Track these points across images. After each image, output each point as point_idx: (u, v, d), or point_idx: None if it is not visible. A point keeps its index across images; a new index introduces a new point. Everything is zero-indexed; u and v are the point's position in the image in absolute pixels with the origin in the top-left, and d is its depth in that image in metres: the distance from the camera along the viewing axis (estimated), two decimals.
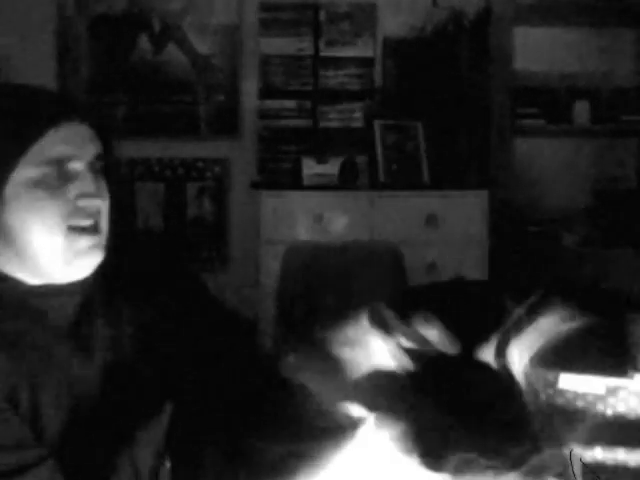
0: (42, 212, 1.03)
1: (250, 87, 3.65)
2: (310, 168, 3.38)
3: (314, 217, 3.29)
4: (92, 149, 1.07)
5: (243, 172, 3.66)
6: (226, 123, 3.67)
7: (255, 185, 3.49)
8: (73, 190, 1.04)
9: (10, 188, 1.03)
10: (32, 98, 1.08)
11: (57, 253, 1.05)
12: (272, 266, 3.23)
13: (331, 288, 3.21)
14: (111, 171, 1.12)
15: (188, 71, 3.63)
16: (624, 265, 3.43)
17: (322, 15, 3.60)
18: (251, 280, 3.42)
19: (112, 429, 1.07)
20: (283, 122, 3.60)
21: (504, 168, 3.54)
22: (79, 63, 3.60)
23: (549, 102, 3.66)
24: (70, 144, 1.04)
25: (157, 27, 3.61)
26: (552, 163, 3.77)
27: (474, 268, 3.27)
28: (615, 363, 0.98)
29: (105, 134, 1.12)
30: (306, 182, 3.37)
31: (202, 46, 3.63)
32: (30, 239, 1.04)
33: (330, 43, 3.60)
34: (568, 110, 3.64)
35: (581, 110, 3.63)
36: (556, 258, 3.58)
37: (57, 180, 1.04)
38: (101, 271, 1.11)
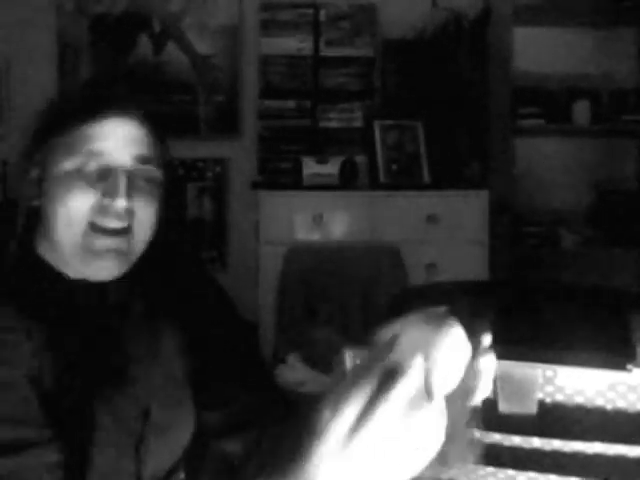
0: (68, 204, 1.02)
1: (250, 87, 3.65)
2: (310, 168, 3.38)
3: (314, 217, 3.29)
4: (135, 149, 1.04)
5: (243, 172, 3.66)
6: (226, 123, 3.67)
7: (255, 185, 3.49)
8: (101, 187, 1.02)
9: (49, 178, 1.04)
10: (85, 89, 1.10)
11: (76, 249, 1.03)
12: (272, 267, 3.23)
13: (331, 288, 3.22)
14: (164, 174, 1.09)
15: (188, 71, 3.63)
16: (624, 265, 3.43)
17: (322, 15, 3.60)
18: (251, 281, 3.42)
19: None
20: (283, 122, 3.59)
21: (504, 168, 3.54)
22: (79, 63, 3.60)
23: (549, 102, 3.65)
24: (109, 141, 1.03)
25: (157, 27, 3.61)
26: (552, 163, 3.77)
27: (474, 268, 3.27)
28: (614, 357, 0.97)
29: (159, 136, 1.10)
30: (306, 182, 3.37)
31: (202, 46, 3.63)
32: (55, 229, 1.03)
33: (330, 43, 3.60)
34: (568, 110, 3.63)
35: (581, 110, 3.62)
36: (556, 258, 3.58)
37: (90, 175, 1.02)
38: (139, 276, 1.09)
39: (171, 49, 3.62)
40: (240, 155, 3.68)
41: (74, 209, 1.01)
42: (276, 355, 3.05)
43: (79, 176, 1.02)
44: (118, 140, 1.03)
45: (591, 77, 3.72)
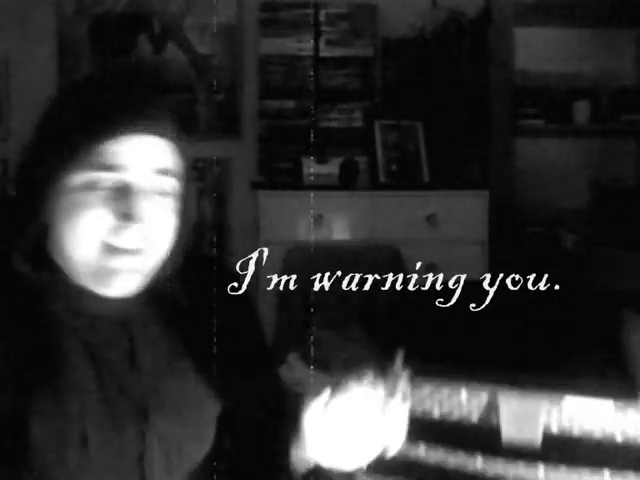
0: (80, 224, 0.95)
1: (250, 87, 3.65)
2: (310, 168, 3.38)
3: (314, 217, 3.29)
4: (156, 163, 0.98)
5: (243, 172, 3.66)
6: (226, 123, 3.67)
7: (255, 185, 3.49)
8: (116, 208, 0.95)
9: (54, 193, 0.96)
10: (102, 99, 0.98)
11: (90, 269, 0.98)
12: (272, 267, 3.22)
13: (331, 288, 3.21)
14: (184, 190, 1.03)
15: (188, 71, 3.63)
16: (624, 265, 3.42)
17: (322, 15, 3.60)
18: (251, 280, 3.42)
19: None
20: (283, 122, 3.59)
21: (504, 168, 3.54)
22: (79, 63, 3.59)
23: (549, 102, 3.65)
24: (127, 156, 0.96)
25: (157, 27, 3.61)
26: (552, 163, 3.77)
27: (474, 268, 3.26)
28: (623, 387, 0.94)
29: (179, 142, 1.02)
30: (306, 182, 3.37)
31: (202, 46, 3.62)
32: (66, 248, 0.98)
33: (330, 43, 3.60)
34: (568, 110, 3.63)
35: (581, 110, 3.62)
36: (556, 258, 3.58)
37: (104, 193, 0.96)
38: (151, 295, 1.05)
39: (171, 49, 3.62)
40: (240, 155, 3.68)
41: (87, 230, 0.95)
42: (275, 355, 3.05)
43: (92, 193, 0.95)
44: (137, 155, 0.97)
45: (591, 77, 3.72)
